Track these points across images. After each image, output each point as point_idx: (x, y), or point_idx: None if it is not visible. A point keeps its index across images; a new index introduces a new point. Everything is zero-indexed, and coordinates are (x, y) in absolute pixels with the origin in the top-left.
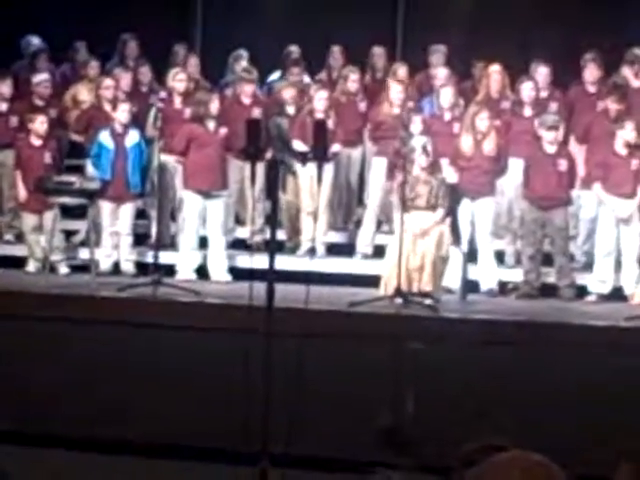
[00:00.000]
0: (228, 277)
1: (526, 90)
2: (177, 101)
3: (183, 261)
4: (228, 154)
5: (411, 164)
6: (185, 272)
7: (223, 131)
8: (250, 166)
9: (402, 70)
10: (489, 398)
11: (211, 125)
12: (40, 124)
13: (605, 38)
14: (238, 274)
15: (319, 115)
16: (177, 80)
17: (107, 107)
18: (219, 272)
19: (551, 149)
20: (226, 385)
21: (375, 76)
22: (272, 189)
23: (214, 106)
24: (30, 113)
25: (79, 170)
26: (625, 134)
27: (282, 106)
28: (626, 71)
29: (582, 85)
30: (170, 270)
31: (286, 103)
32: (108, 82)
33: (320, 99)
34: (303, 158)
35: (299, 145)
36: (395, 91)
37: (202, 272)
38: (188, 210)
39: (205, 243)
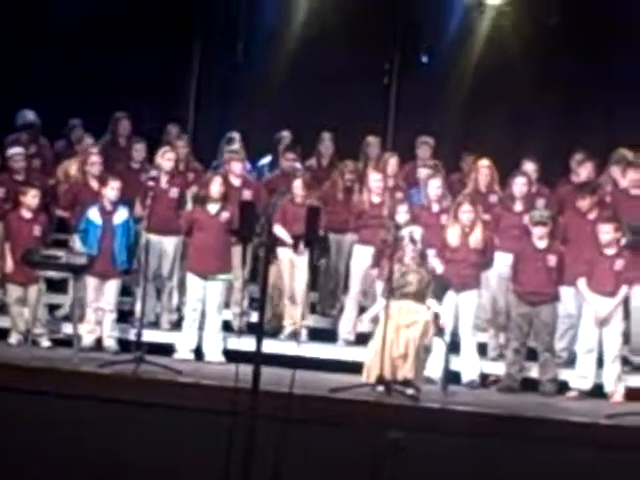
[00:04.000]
0: (222, 358)
1: (518, 185)
2: (163, 180)
3: (182, 341)
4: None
5: (402, 253)
6: (183, 352)
7: (225, 215)
8: (242, 248)
9: (393, 160)
10: None
11: (213, 208)
12: (32, 197)
13: (592, 139)
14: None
15: (298, 200)
16: (165, 159)
17: (93, 183)
18: (214, 353)
19: (541, 244)
20: (206, 466)
21: (368, 165)
22: (261, 272)
23: (215, 188)
24: (22, 186)
25: (64, 244)
26: (604, 236)
27: (289, 188)
28: (615, 171)
29: (571, 184)
30: (153, 348)
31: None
32: (94, 158)
33: (296, 187)
34: (295, 243)
35: (279, 230)
36: (373, 179)
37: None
38: (189, 291)
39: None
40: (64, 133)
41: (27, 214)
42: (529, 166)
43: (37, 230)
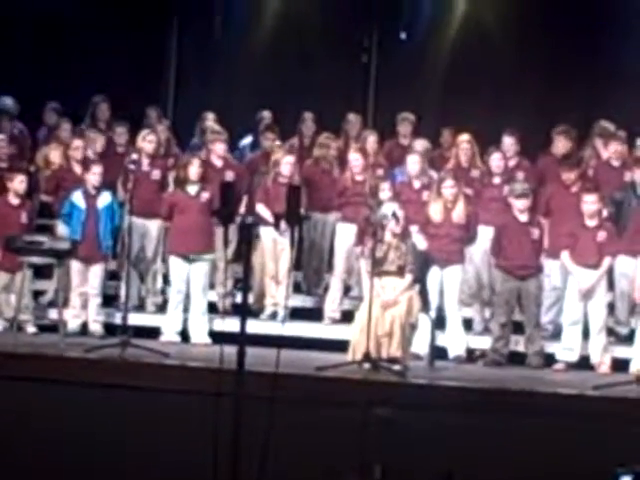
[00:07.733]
0: (208, 340)
1: (495, 160)
2: (145, 163)
3: (168, 323)
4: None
5: (382, 230)
6: (169, 334)
7: (205, 195)
8: (223, 229)
9: (372, 137)
10: (456, 465)
11: (193, 189)
12: (19, 183)
13: (573, 111)
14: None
15: (282, 180)
16: (146, 141)
17: (77, 168)
18: (200, 335)
19: (523, 217)
20: (193, 448)
21: (348, 143)
22: (245, 252)
23: (193, 170)
24: (8, 172)
25: (48, 230)
26: (588, 206)
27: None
28: (597, 143)
29: (552, 156)
30: (139, 331)
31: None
32: (77, 143)
33: (286, 163)
34: (276, 222)
35: (261, 209)
36: (353, 159)
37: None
38: (172, 273)
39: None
40: (44, 120)
41: (14, 200)
42: (506, 140)
43: (24, 217)
